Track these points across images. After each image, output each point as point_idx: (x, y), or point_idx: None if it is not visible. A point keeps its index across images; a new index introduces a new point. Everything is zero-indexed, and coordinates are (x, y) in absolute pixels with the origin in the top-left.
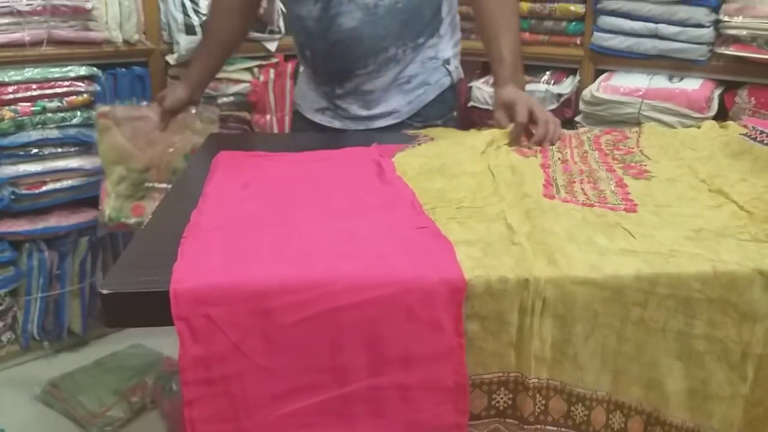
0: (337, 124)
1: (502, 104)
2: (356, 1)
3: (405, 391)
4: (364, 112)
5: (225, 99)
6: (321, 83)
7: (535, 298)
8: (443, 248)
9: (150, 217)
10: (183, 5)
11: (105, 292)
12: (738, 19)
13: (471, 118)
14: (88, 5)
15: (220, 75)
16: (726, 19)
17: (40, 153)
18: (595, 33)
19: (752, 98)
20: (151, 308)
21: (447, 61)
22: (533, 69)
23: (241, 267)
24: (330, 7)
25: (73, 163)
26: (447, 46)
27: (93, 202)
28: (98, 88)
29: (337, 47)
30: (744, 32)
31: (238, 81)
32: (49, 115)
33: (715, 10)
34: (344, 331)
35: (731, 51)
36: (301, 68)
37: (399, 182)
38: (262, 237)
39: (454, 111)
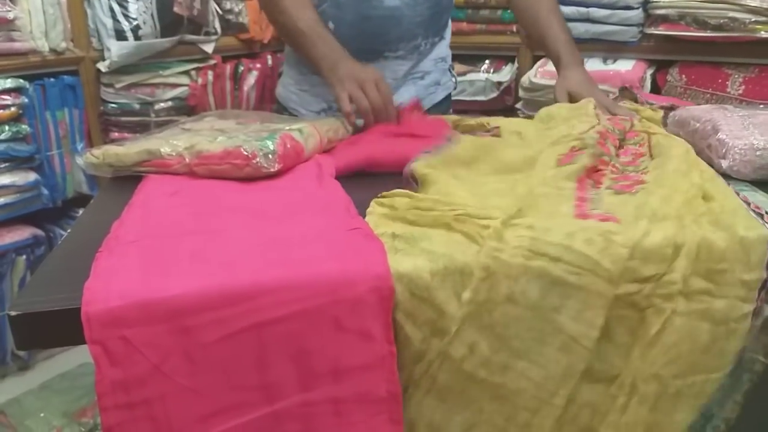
0: None
1: (569, 91)
2: None
3: (337, 404)
4: None
5: (162, 104)
6: None
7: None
8: (373, 250)
9: (69, 230)
10: (111, 10)
11: (13, 313)
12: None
13: None
14: (11, 15)
15: (157, 80)
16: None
17: None
18: None
19: (683, 76)
20: (64, 328)
21: (451, 66)
22: (472, 58)
23: (158, 282)
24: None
25: (5, 179)
26: (449, 51)
27: (28, 219)
28: (26, 100)
29: (373, 23)
30: (672, 11)
31: (175, 85)
32: None
33: None
34: (270, 346)
35: (660, 30)
36: (289, 69)
37: (335, 185)
38: (182, 247)
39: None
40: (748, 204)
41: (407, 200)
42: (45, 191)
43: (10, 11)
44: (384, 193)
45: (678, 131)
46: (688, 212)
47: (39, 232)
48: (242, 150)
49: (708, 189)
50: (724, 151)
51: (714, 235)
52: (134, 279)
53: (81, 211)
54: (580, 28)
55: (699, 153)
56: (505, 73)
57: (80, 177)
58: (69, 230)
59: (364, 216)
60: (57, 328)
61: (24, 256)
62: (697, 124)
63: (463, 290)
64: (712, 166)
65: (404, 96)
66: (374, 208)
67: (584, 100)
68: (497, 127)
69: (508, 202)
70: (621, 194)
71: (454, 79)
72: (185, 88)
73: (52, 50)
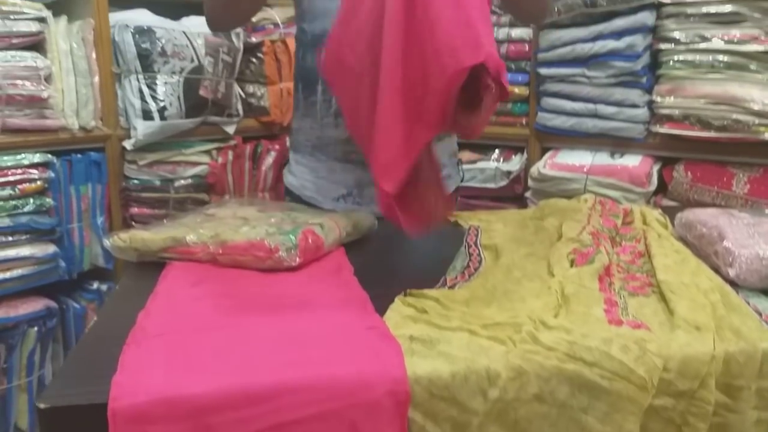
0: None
1: None
2: None
3: None
4: None
5: (183, 182)
6: (354, 151)
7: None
8: (390, 352)
9: (95, 319)
10: (141, 91)
11: (43, 406)
12: (669, 100)
13: None
14: (45, 94)
15: (178, 158)
16: (658, 99)
17: None
18: (540, 113)
19: (688, 173)
20: (91, 422)
21: (459, 160)
22: (483, 148)
23: (182, 379)
24: None
25: (24, 251)
26: (457, 146)
27: (42, 290)
28: (52, 174)
29: None
30: (676, 112)
31: (195, 163)
32: (1, 203)
33: (648, 91)
34: None
35: (665, 129)
36: (302, 158)
37: (353, 281)
38: (205, 342)
39: None
40: (760, 314)
41: (435, 304)
42: (62, 264)
43: (44, 90)
44: (412, 291)
45: (685, 234)
46: (715, 324)
47: (52, 303)
48: (266, 243)
49: (721, 299)
50: (730, 259)
51: (734, 348)
52: (159, 375)
53: (96, 284)
54: (588, 123)
55: (706, 258)
56: (515, 163)
57: (97, 250)
58: (95, 318)
59: (381, 312)
60: (83, 421)
61: (36, 328)
62: (704, 229)
63: (489, 388)
64: (719, 273)
65: None
66: (398, 306)
67: (583, 197)
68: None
69: (538, 303)
70: (636, 296)
71: (461, 174)
72: (205, 166)
73: (82, 128)
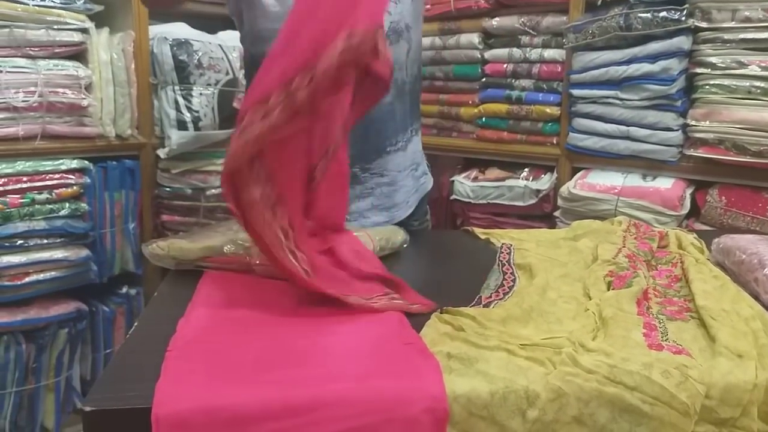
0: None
1: None
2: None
3: None
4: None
5: (213, 191)
6: None
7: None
8: (429, 369)
9: (136, 324)
10: (176, 102)
11: (88, 409)
12: (705, 124)
13: (453, 211)
14: (84, 102)
15: (210, 167)
16: (693, 123)
17: (26, 244)
18: (571, 134)
19: (723, 197)
20: (134, 426)
21: (425, 160)
22: (513, 165)
23: (223, 388)
24: None
25: (58, 254)
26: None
27: (73, 293)
28: (88, 180)
29: (375, 124)
30: (711, 136)
31: None
32: (38, 206)
33: (683, 114)
34: None
35: (700, 153)
36: None
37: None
38: (246, 353)
39: (428, 213)
40: None
41: (471, 322)
42: (94, 267)
43: (84, 99)
44: (448, 309)
45: (723, 259)
46: (757, 352)
47: (83, 306)
48: None
49: (763, 327)
50: None
51: None
52: (201, 383)
53: (125, 289)
54: (620, 145)
55: (745, 285)
56: (544, 182)
57: (128, 255)
58: (136, 324)
59: (417, 328)
60: (126, 425)
61: (66, 330)
62: (743, 256)
63: (528, 408)
64: (758, 300)
65: (408, 186)
66: (435, 323)
67: (617, 219)
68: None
69: (576, 325)
70: (674, 321)
71: (429, 170)
72: None
73: (118, 136)
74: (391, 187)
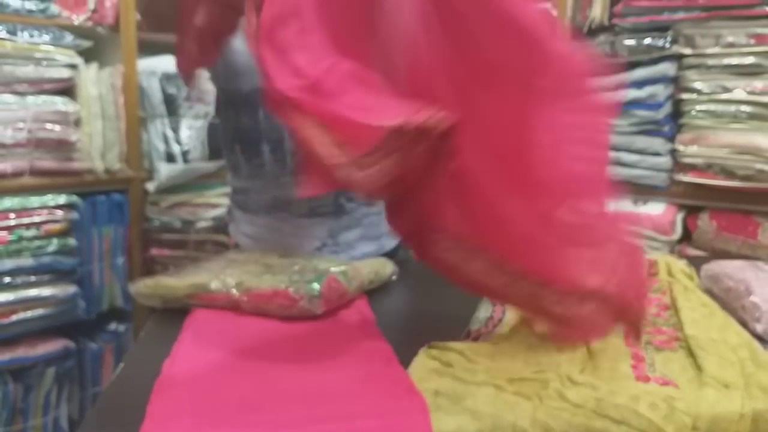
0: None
1: None
2: None
3: None
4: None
5: (204, 223)
6: (322, 205)
7: None
8: (416, 408)
9: (122, 365)
10: (165, 135)
11: None
12: (693, 149)
13: None
14: (73, 137)
15: (199, 200)
16: (681, 148)
17: (13, 282)
18: None
19: (714, 221)
20: None
21: None
22: None
23: (209, 430)
24: None
25: (46, 291)
26: None
27: (60, 330)
28: (77, 215)
29: None
30: (699, 160)
31: (216, 205)
32: (25, 243)
33: (671, 140)
34: None
35: (689, 178)
36: (255, 218)
37: (376, 332)
38: (231, 394)
39: None
40: None
41: (459, 357)
42: (82, 304)
43: (73, 134)
44: (435, 344)
45: (711, 286)
46: (744, 381)
47: (70, 344)
48: (290, 292)
49: (750, 355)
50: (758, 315)
51: (763, 406)
52: (186, 425)
53: (113, 325)
54: (611, 171)
55: (733, 312)
56: None
57: (117, 291)
58: (121, 364)
59: (404, 362)
60: None
61: (53, 368)
62: (731, 283)
63: None
64: (746, 328)
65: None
66: (423, 358)
67: None
68: None
69: (564, 358)
70: (662, 351)
71: None
72: (225, 208)
73: (107, 170)
74: (378, 216)
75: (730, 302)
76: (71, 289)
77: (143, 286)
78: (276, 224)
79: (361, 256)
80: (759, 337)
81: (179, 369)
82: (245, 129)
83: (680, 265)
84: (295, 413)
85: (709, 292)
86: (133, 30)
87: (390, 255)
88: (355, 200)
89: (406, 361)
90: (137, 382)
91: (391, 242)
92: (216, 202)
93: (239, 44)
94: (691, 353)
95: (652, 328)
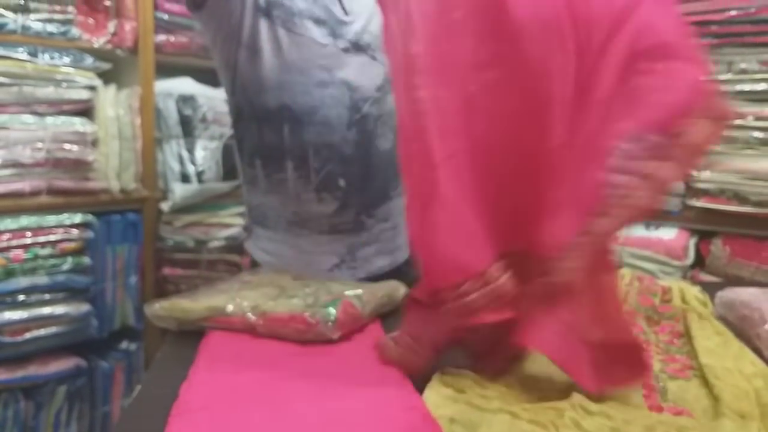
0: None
1: None
2: (389, 124)
3: None
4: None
5: (216, 243)
6: (343, 222)
7: None
8: None
9: (138, 387)
10: (180, 156)
11: None
12: (705, 174)
13: None
14: (90, 158)
15: (212, 220)
16: (694, 174)
17: (27, 300)
18: None
19: (727, 247)
20: None
21: None
22: None
23: None
24: (366, 131)
25: (60, 309)
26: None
27: (72, 348)
28: (92, 234)
29: (376, 170)
30: (712, 186)
31: (229, 225)
32: (40, 261)
33: None
34: None
35: (702, 203)
36: (275, 234)
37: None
38: (249, 419)
39: None
40: None
41: (473, 383)
42: (95, 322)
43: (90, 154)
44: (449, 370)
45: (726, 313)
46: (759, 412)
47: (82, 362)
48: (306, 316)
49: (765, 385)
50: None
51: None
52: None
53: (125, 344)
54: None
55: (748, 340)
56: None
57: (129, 310)
58: (139, 387)
59: (418, 386)
60: None
61: (65, 386)
62: (746, 311)
63: None
64: (761, 356)
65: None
66: (436, 385)
67: (620, 272)
68: None
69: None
70: (677, 379)
71: None
72: (239, 228)
73: (122, 190)
74: (393, 231)
75: (745, 330)
76: (84, 307)
77: (159, 308)
78: (294, 240)
79: (377, 270)
80: None
81: (196, 393)
82: (268, 144)
83: (694, 292)
84: None
85: (723, 320)
86: (151, 53)
87: (403, 271)
88: (374, 217)
89: (419, 387)
90: (154, 405)
91: (403, 255)
92: (229, 222)
93: (270, 59)
94: (705, 382)
95: (665, 356)
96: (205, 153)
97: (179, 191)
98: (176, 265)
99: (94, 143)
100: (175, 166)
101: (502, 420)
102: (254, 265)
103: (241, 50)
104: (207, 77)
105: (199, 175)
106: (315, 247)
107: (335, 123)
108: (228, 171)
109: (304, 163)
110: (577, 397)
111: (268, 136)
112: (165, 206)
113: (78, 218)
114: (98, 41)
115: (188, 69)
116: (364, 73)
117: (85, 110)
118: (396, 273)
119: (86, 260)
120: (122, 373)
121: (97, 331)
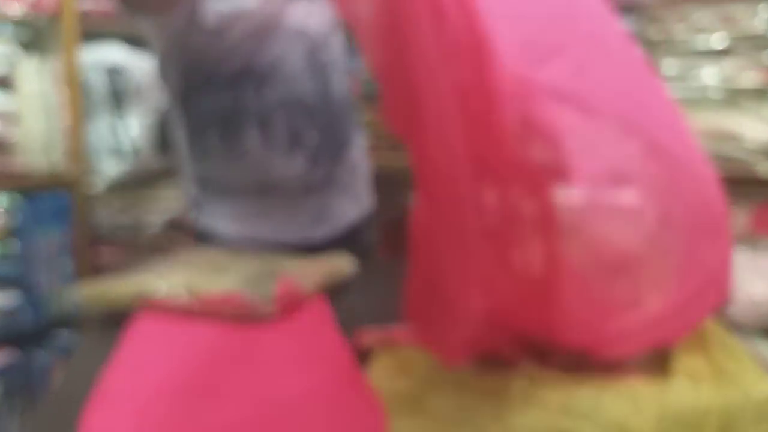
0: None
1: None
2: (338, 69)
3: None
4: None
5: (156, 221)
6: (316, 179)
7: None
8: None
9: (62, 377)
10: (112, 131)
11: None
12: None
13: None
14: (12, 135)
15: (151, 198)
16: None
17: None
18: None
19: None
20: None
21: None
22: None
23: None
24: (325, 79)
25: None
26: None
27: (5, 340)
28: (19, 217)
29: (337, 118)
30: None
31: (169, 203)
32: None
33: None
34: None
35: None
36: (234, 202)
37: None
38: (177, 408)
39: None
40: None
41: (418, 356)
42: (28, 312)
43: (12, 132)
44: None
45: None
46: (713, 373)
47: (17, 354)
48: (241, 295)
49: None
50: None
51: (731, 399)
52: None
53: (62, 333)
54: None
55: None
56: None
57: (64, 296)
58: (61, 377)
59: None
60: None
61: (0, 380)
62: None
63: None
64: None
65: (366, 174)
66: (381, 359)
67: None
68: None
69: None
70: None
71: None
72: (177, 207)
73: (50, 169)
74: (355, 176)
75: None
76: (16, 296)
77: (87, 292)
78: (264, 208)
79: (348, 221)
80: (729, 323)
81: (121, 380)
82: (227, 112)
83: None
84: (247, 429)
85: None
86: (75, 18)
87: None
88: (342, 165)
89: (365, 361)
90: (77, 394)
91: (367, 201)
92: (169, 199)
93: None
94: None
95: None
96: (140, 127)
97: (111, 169)
98: (113, 247)
99: (16, 119)
100: (106, 142)
101: (448, 392)
102: (202, 239)
103: (187, 33)
104: (137, 42)
105: (133, 151)
106: (288, 209)
107: (298, 75)
108: (163, 147)
109: (270, 124)
110: (525, 367)
111: (227, 104)
112: (97, 185)
113: (3, 201)
114: (16, 8)
115: (117, 35)
116: (313, 19)
117: (4, 84)
118: (362, 227)
119: (14, 247)
120: (60, 364)
121: (32, 322)
